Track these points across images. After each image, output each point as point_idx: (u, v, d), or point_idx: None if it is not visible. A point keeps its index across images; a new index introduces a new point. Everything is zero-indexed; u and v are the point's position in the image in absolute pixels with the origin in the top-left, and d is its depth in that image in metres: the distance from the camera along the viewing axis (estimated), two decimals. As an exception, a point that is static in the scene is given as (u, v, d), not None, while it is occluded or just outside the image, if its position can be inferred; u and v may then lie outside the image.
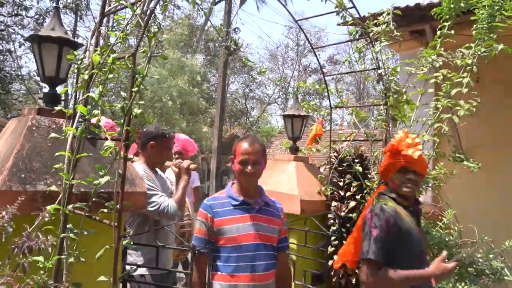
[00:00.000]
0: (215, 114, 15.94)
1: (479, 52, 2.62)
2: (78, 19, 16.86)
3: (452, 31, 2.99)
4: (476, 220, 3.36)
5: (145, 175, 2.56)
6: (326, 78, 3.65)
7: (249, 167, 2.00)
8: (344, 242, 2.36)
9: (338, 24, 3.99)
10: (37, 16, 14.63)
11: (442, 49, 2.96)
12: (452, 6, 3.04)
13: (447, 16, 3.04)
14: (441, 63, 2.87)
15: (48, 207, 1.37)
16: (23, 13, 14.21)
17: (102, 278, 1.39)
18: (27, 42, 13.73)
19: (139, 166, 2.64)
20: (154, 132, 2.73)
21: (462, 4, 3.02)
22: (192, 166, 2.77)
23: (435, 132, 2.98)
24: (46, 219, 1.34)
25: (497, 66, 3.45)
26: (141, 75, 1.33)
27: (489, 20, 2.82)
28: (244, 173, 2.01)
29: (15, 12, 14.22)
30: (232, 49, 14.24)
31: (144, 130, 2.81)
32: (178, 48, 17.50)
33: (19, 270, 1.07)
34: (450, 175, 3.17)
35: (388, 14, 2.55)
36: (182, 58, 16.14)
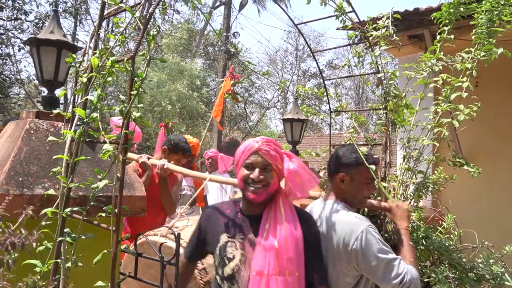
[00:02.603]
0: (215, 118, 15.91)
1: (479, 56, 2.62)
2: (78, 23, 16.89)
3: (452, 36, 2.99)
4: (476, 225, 3.35)
5: (371, 227, 1.69)
6: (325, 82, 3.64)
7: None
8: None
9: (338, 29, 4.01)
10: (36, 20, 14.65)
11: (442, 53, 2.96)
12: (451, 10, 3.04)
13: (446, 21, 3.04)
14: (440, 67, 2.86)
15: (45, 210, 1.36)
16: (23, 17, 14.24)
17: (99, 283, 1.37)
18: (26, 46, 13.76)
19: (344, 210, 1.77)
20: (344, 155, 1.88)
21: (461, 9, 3.02)
22: None
23: (435, 137, 2.97)
24: (26, 218, 1.33)
25: (496, 71, 3.46)
26: (140, 78, 1.32)
27: (488, 25, 2.82)
28: None
29: (15, 16, 14.25)
30: (231, 53, 14.27)
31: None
32: (177, 53, 17.53)
33: (5, 269, 1.05)
34: (449, 179, 3.16)
35: (388, 18, 2.54)
36: (181, 62, 16.16)
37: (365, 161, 1.84)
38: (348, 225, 1.68)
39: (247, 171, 1.67)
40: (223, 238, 1.70)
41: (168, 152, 3.09)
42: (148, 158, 2.96)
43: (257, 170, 1.65)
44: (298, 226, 1.64)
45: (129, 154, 2.84)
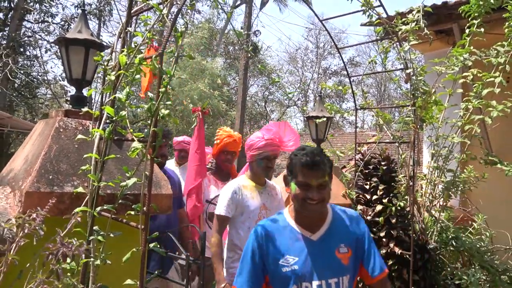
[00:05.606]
0: (236, 117, 15.96)
1: (514, 50, 2.52)
2: (102, 25, 17.19)
3: (482, 29, 2.88)
4: (509, 225, 3.23)
5: None
6: (347, 80, 3.57)
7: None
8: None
9: (362, 24, 3.92)
10: (62, 22, 14.99)
11: (472, 47, 2.85)
12: (481, 3, 2.93)
13: (475, 14, 2.93)
14: (471, 62, 2.77)
15: (76, 210, 1.37)
16: (49, 19, 14.58)
17: (128, 281, 1.37)
18: (53, 47, 14.12)
19: None
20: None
21: (492, 1, 2.90)
22: None
23: (465, 134, 2.87)
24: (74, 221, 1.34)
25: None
26: (168, 75, 1.31)
27: (522, 17, 2.70)
28: None
29: (42, 19, 14.61)
30: (249, 55, 14.22)
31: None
32: (198, 52, 17.62)
33: (53, 277, 1.07)
34: (481, 178, 3.05)
35: (418, 11, 2.47)
36: (202, 61, 16.24)
37: None
38: None
39: None
40: None
41: None
42: None
43: None
44: None
45: None
